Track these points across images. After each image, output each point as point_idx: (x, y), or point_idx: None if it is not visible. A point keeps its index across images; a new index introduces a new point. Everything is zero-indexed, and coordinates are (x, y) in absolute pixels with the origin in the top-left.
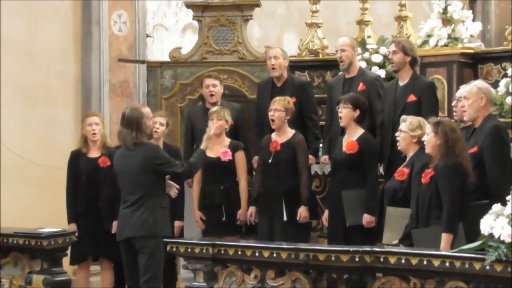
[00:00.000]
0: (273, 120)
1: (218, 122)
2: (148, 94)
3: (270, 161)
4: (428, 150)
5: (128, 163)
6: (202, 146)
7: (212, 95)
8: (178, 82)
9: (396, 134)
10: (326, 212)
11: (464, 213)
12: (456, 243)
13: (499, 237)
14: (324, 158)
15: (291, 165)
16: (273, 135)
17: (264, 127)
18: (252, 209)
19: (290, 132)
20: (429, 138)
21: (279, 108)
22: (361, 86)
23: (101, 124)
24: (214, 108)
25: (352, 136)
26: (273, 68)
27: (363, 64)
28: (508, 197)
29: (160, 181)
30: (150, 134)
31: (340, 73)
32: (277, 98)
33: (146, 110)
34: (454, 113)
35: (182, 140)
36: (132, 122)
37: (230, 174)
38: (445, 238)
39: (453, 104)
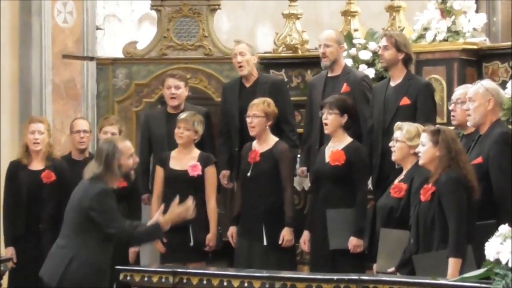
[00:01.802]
0: (252, 128)
1: (186, 132)
2: (98, 96)
3: (249, 174)
4: (423, 161)
5: (73, 195)
6: (163, 220)
7: (173, 98)
8: (133, 82)
9: (391, 144)
10: (305, 234)
11: (472, 235)
12: (465, 269)
13: (506, 263)
14: (302, 170)
15: (272, 179)
16: (254, 143)
17: (232, 137)
18: (232, 229)
19: (272, 140)
20: (427, 148)
21: (258, 113)
22: (345, 87)
23: (46, 132)
24: (184, 115)
25: (338, 145)
26: (240, 66)
27: (349, 62)
28: None
29: (95, 231)
30: (124, 174)
31: (323, 71)
32: (255, 101)
33: (123, 145)
34: (452, 117)
35: (137, 150)
36: (101, 156)
37: (198, 192)
38: (453, 264)
39: (450, 107)
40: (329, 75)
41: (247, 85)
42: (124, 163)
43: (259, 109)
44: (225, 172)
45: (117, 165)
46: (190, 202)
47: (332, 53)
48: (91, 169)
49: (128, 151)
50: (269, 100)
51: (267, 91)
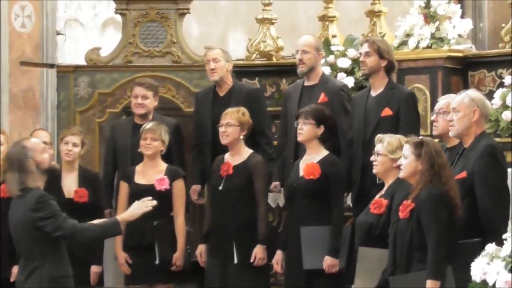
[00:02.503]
0: (226, 136)
1: (153, 143)
2: (59, 106)
3: (220, 188)
4: (404, 174)
5: (14, 215)
6: (120, 218)
7: (140, 107)
8: (96, 91)
9: (372, 158)
10: (278, 254)
11: (453, 255)
12: None
13: (494, 285)
14: (275, 184)
15: (246, 194)
16: (227, 156)
17: (204, 149)
18: (201, 247)
19: (246, 152)
20: (409, 161)
21: (232, 122)
22: (322, 97)
23: (6, 144)
24: (149, 125)
25: (313, 158)
26: (213, 73)
27: (326, 70)
28: (505, 235)
29: (50, 241)
30: (47, 170)
31: (299, 80)
32: (229, 109)
33: (31, 142)
34: (434, 127)
35: (102, 162)
36: (13, 163)
37: (165, 207)
38: (431, 286)
39: (432, 118)
40: (305, 84)
41: (221, 94)
42: (39, 159)
43: (233, 118)
44: (196, 187)
45: (33, 164)
46: (148, 199)
47: (310, 60)
48: (12, 183)
49: (38, 147)
50: (243, 109)
51: (242, 100)
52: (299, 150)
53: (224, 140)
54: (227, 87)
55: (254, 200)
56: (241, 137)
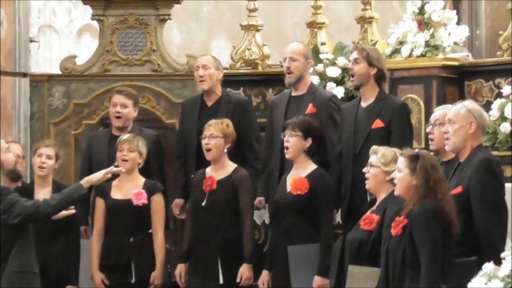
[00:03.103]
0: (208, 150)
1: (130, 154)
2: (32, 118)
3: (203, 203)
4: (399, 191)
5: None
6: (84, 180)
7: (118, 117)
8: (71, 102)
9: (365, 169)
10: (264, 274)
11: (448, 274)
12: None
13: None
14: (259, 200)
15: (230, 210)
16: (209, 170)
17: (188, 160)
18: (180, 267)
19: (230, 166)
20: (403, 176)
21: (216, 133)
22: (310, 108)
23: None
24: (125, 136)
25: (301, 173)
26: (202, 81)
27: (315, 79)
28: (503, 254)
29: (16, 234)
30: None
31: (286, 90)
32: (213, 121)
33: None
34: (430, 141)
35: (77, 177)
36: None
37: (143, 224)
38: None
39: (428, 130)
40: (292, 94)
41: (209, 103)
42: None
43: (216, 130)
44: (178, 201)
45: None
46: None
47: (298, 69)
48: None
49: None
50: (227, 121)
51: (230, 111)
52: (285, 164)
53: (208, 156)
54: (215, 96)
55: (239, 217)
56: (225, 150)
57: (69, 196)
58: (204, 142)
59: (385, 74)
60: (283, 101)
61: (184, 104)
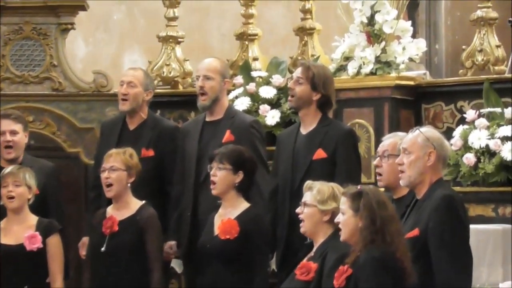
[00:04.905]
0: (109, 185)
1: (17, 189)
2: None
3: (103, 249)
4: (344, 237)
5: None
6: None
7: (9, 146)
8: None
9: (298, 210)
10: None
11: None
12: None
13: None
14: (170, 245)
15: (136, 256)
16: (110, 209)
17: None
18: None
19: (135, 204)
20: (346, 218)
21: (117, 165)
22: (227, 135)
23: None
24: (8, 169)
25: (230, 212)
26: (124, 99)
27: (246, 101)
28: None
29: None
30: None
31: (200, 114)
32: (113, 151)
33: None
34: (378, 176)
35: None
36: None
37: (39, 271)
38: None
39: (375, 162)
40: (207, 119)
41: (131, 127)
42: None
43: (118, 161)
44: (86, 240)
45: None
46: None
47: (213, 89)
48: None
49: None
50: (131, 150)
51: (154, 138)
52: (198, 201)
53: (109, 193)
54: (139, 119)
55: (146, 264)
56: (128, 184)
57: None
58: (103, 176)
59: (331, 102)
60: (196, 127)
61: (103, 125)
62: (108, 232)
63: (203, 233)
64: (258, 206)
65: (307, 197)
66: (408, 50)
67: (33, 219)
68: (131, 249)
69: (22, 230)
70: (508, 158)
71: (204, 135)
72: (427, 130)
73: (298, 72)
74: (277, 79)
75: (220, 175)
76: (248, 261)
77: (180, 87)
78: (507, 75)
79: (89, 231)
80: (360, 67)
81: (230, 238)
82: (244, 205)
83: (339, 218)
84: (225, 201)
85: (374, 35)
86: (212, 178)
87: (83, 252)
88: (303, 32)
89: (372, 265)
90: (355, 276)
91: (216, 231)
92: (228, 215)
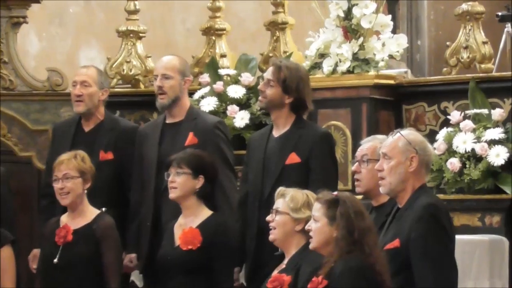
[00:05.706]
0: (65, 194)
1: None
2: None
3: (55, 260)
4: (314, 245)
5: None
6: None
7: None
8: None
9: (269, 218)
10: None
11: None
12: None
13: None
14: (129, 257)
15: (92, 269)
16: (64, 217)
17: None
18: None
19: (91, 212)
20: (320, 226)
21: (71, 173)
22: (190, 138)
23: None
24: None
25: (192, 221)
26: (78, 101)
27: (212, 101)
28: None
29: None
30: None
31: (159, 116)
32: (63, 156)
33: None
34: (356, 182)
35: None
36: None
37: None
38: None
39: (353, 168)
40: (167, 121)
41: (86, 129)
42: None
43: (70, 167)
44: (37, 252)
45: None
46: None
47: (172, 89)
48: None
49: None
50: (82, 153)
51: (112, 141)
52: (161, 210)
53: (64, 201)
54: (96, 120)
55: (103, 278)
56: (85, 191)
57: None
58: (57, 186)
59: (306, 105)
60: (155, 130)
61: (55, 128)
62: (62, 242)
63: (162, 244)
64: (224, 213)
65: (279, 204)
66: (388, 46)
67: None
68: (86, 261)
69: None
70: (496, 163)
71: (164, 139)
72: (408, 133)
73: (268, 73)
74: (247, 78)
75: (179, 180)
76: (212, 273)
77: (142, 86)
78: (494, 73)
79: (40, 242)
80: (336, 65)
81: (193, 248)
82: (206, 212)
83: (311, 225)
84: (185, 208)
85: (351, 30)
86: (170, 184)
87: (33, 265)
88: (275, 26)
89: (350, 276)
90: (331, 287)
91: (177, 241)
92: (189, 224)
